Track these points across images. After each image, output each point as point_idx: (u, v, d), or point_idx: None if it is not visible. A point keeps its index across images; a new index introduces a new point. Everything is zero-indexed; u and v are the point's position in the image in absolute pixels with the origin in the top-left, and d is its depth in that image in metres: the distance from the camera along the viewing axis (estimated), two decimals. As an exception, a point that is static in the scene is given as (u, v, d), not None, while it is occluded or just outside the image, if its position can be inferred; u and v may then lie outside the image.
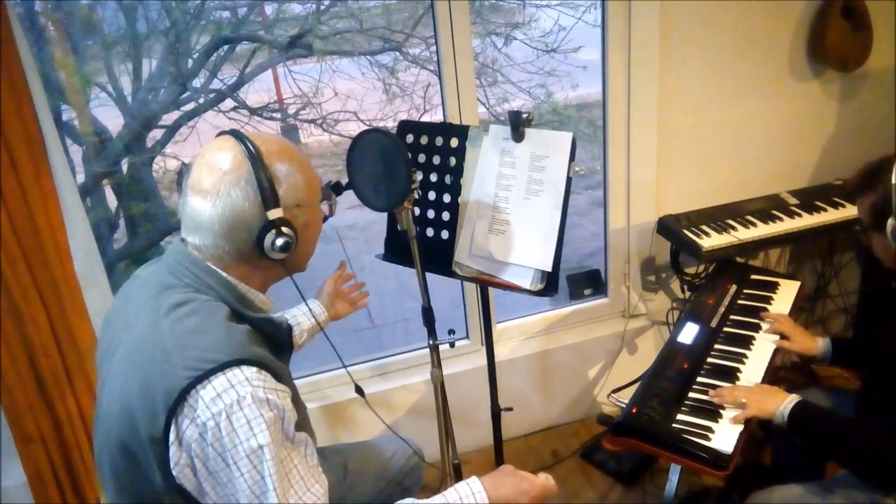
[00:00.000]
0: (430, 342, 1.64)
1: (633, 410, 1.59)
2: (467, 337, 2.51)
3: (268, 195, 1.06)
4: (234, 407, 0.96)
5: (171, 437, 0.97)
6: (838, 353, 1.79)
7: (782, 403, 1.52)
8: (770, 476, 1.92)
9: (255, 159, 1.06)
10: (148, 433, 0.98)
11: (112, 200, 3.00)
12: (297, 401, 1.10)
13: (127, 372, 1.04)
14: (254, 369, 1.00)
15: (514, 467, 1.22)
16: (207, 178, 1.07)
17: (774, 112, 2.47)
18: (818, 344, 1.80)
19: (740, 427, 1.53)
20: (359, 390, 1.60)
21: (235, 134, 1.10)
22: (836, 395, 1.83)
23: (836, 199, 2.37)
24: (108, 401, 1.08)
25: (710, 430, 1.52)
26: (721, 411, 1.58)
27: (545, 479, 1.20)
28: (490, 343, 1.89)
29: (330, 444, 1.67)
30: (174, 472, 0.99)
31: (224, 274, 1.11)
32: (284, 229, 1.08)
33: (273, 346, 1.13)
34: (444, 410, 1.74)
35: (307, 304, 1.54)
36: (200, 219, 1.07)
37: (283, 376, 1.06)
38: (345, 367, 1.47)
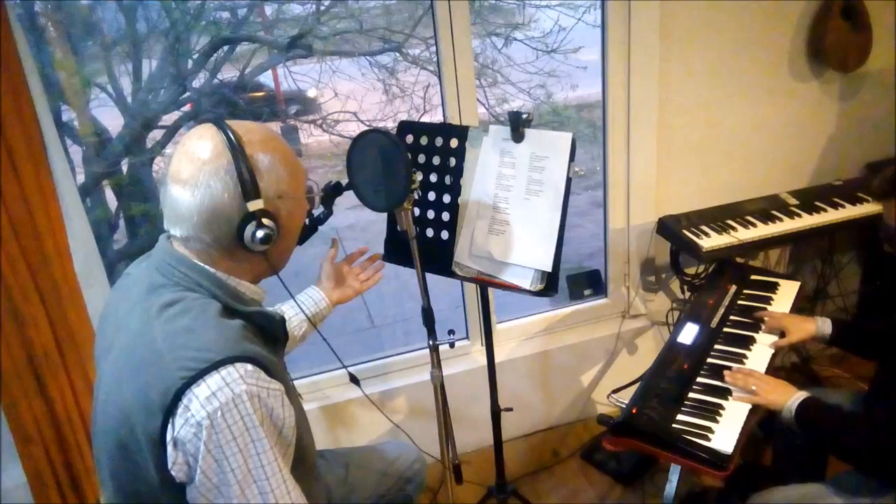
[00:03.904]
0: (430, 343, 1.64)
1: (633, 411, 1.59)
2: (467, 337, 2.51)
3: (248, 186, 1.04)
4: (229, 405, 0.96)
5: (168, 437, 0.97)
6: (838, 334, 1.77)
7: (791, 398, 1.53)
8: (770, 476, 1.92)
9: (236, 149, 1.04)
10: (145, 434, 0.98)
11: (112, 200, 2.99)
12: (290, 394, 1.09)
13: (121, 373, 1.04)
14: (248, 366, 0.99)
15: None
16: (186, 168, 1.04)
17: (774, 112, 2.47)
18: (817, 324, 1.78)
19: (740, 427, 1.52)
20: (353, 379, 1.56)
21: (216, 122, 1.07)
22: (837, 395, 1.82)
23: (835, 200, 2.37)
24: (104, 401, 1.07)
25: (709, 430, 1.52)
26: (721, 411, 1.58)
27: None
28: (490, 343, 1.89)
29: (332, 448, 1.67)
30: (172, 472, 0.99)
31: (212, 269, 1.09)
32: (265, 221, 1.06)
33: (267, 339, 1.12)
34: (444, 410, 1.74)
35: (294, 299, 1.50)
36: (180, 209, 1.05)
37: (275, 371, 1.05)
38: (342, 364, 1.47)
